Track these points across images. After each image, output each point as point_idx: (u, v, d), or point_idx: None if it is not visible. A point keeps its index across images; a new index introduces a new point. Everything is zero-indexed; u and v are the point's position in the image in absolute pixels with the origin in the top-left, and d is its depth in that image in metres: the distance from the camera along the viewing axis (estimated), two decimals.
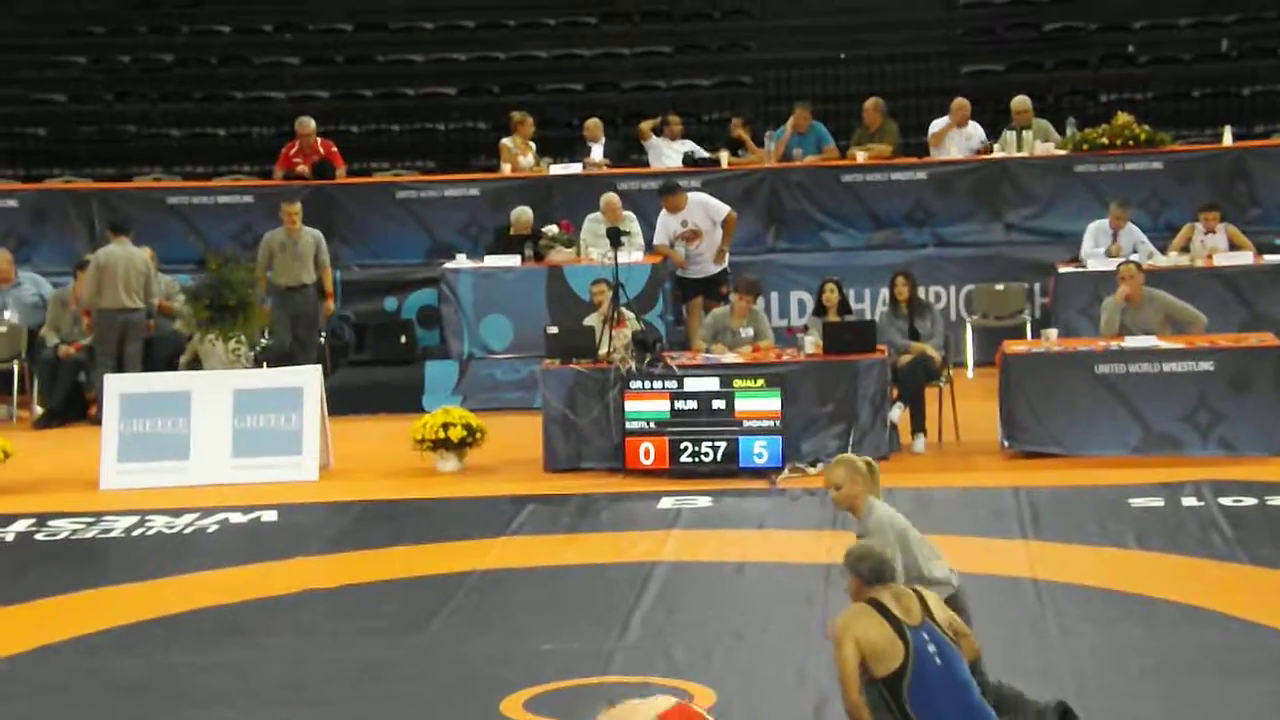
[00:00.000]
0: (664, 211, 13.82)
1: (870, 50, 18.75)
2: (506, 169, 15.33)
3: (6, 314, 14.14)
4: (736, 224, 13.83)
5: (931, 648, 5.49)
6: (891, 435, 11.41)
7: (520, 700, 6.78)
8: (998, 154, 14.87)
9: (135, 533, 10.06)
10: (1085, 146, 14.66)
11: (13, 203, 15.28)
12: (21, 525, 10.21)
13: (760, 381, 11.03)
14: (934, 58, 18.66)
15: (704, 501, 10.33)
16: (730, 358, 11.46)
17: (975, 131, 15.10)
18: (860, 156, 14.91)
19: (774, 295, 14.34)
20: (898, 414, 11.49)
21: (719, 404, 10.95)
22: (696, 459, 10.93)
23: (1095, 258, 13.42)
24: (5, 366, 13.98)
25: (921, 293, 12.87)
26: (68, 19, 20.09)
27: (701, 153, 15.38)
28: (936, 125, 15.18)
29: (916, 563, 6.35)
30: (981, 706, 5.56)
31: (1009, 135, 14.89)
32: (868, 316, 13.36)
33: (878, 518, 6.38)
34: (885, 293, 12.76)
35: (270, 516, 10.39)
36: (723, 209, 13.74)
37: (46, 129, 18.84)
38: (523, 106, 16.33)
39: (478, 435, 11.38)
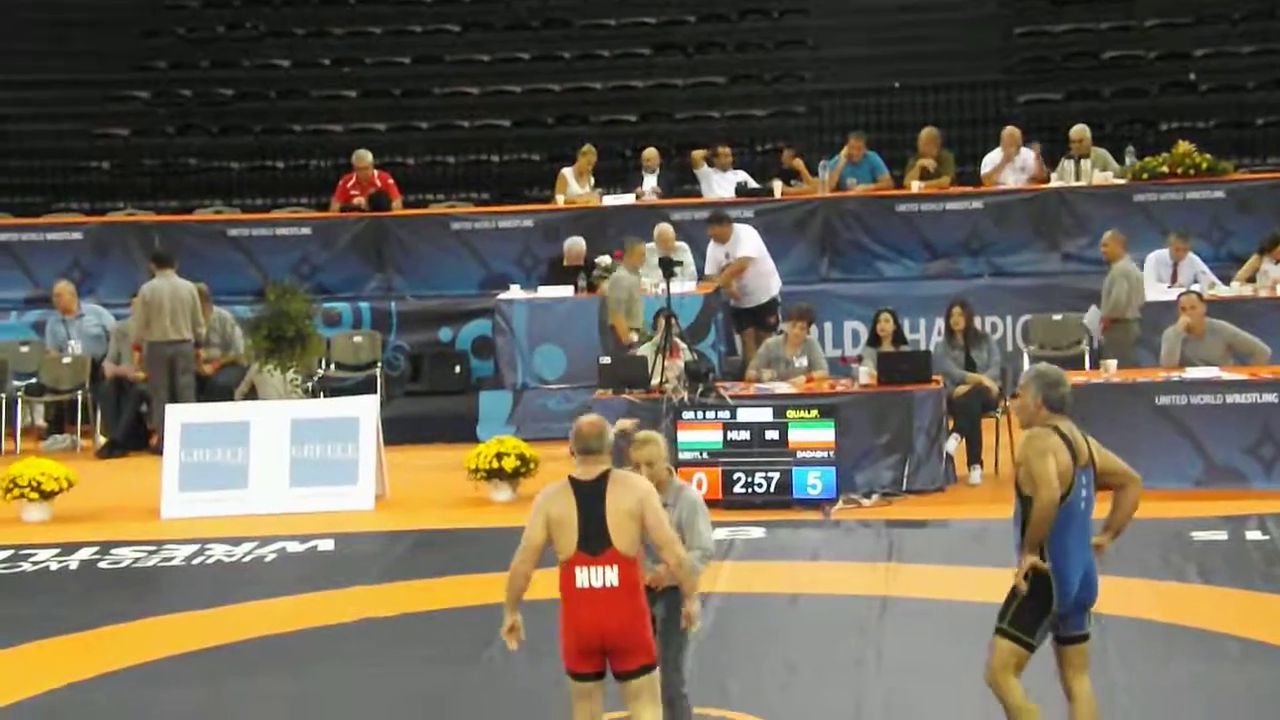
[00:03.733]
0: (713, 242, 13.89)
1: (925, 79, 18.74)
2: (560, 200, 15.41)
3: (71, 345, 14.35)
4: (742, 270, 13.76)
5: (1085, 491, 5.84)
6: (947, 467, 11.35)
7: None
8: (1055, 183, 14.80)
9: (195, 561, 10.16)
10: (1145, 175, 14.56)
11: (77, 235, 15.51)
12: (85, 553, 10.34)
13: (814, 412, 11.00)
14: (990, 86, 18.62)
15: (757, 533, 10.31)
16: (783, 388, 11.44)
17: (1027, 158, 15.02)
18: (915, 186, 14.89)
19: (828, 325, 14.32)
20: (954, 445, 11.42)
21: (772, 434, 10.93)
22: (750, 490, 10.91)
23: (1155, 288, 13.31)
24: (69, 396, 14.18)
25: (978, 323, 12.79)
26: (131, 55, 20.41)
27: (753, 183, 15.41)
28: (990, 163, 15.09)
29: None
30: (1093, 559, 5.89)
31: (1067, 164, 14.82)
32: (923, 347, 13.31)
33: (693, 495, 6.37)
34: (941, 323, 12.71)
35: (327, 545, 10.46)
36: (741, 249, 13.73)
37: (110, 162, 19.14)
38: (577, 138, 16.43)
39: (531, 465, 11.43)
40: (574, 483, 5.82)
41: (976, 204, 14.75)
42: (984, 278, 14.54)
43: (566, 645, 5.85)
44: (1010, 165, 14.96)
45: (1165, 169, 14.50)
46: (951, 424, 11.41)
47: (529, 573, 5.86)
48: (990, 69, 19.04)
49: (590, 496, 5.76)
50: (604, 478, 5.81)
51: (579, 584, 5.76)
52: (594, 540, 5.73)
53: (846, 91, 18.92)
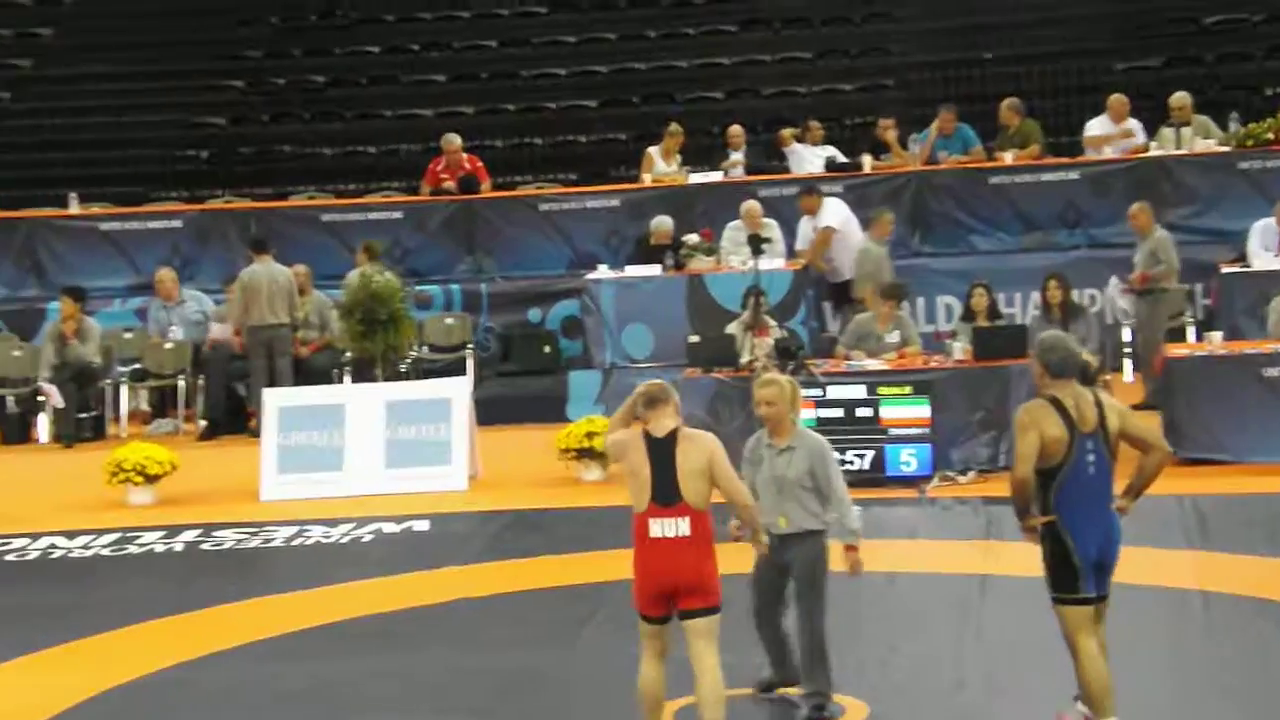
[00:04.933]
0: (803, 217, 13.84)
1: (1018, 49, 18.47)
2: (647, 179, 15.41)
3: (172, 331, 14.62)
4: (827, 242, 13.67)
5: (1091, 456, 5.93)
6: None
7: (671, 710, 6.81)
8: (1155, 151, 14.53)
9: (295, 542, 10.32)
10: (1250, 142, 14.25)
11: (177, 223, 15.79)
12: (189, 535, 10.54)
13: (907, 388, 10.92)
14: (1087, 54, 18.31)
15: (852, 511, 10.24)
16: (875, 364, 11.36)
17: (1135, 128, 14.73)
18: (1008, 157, 14.68)
19: (920, 300, 14.20)
20: None
21: (864, 412, 10.86)
22: (843, 468, 10.81)
23: (1261, 257, 13.03)
24: (172, 382, 14.45)
25: (1075, 296, 12.63)
26: (226, 44, 20.70)
27: (842, 158, 15.29)
28: (1094, 127, 14.84)
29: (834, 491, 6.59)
30: (1115, 523, 6.00)
31: (1167, 132, 14.54)
32: (1018, 321, 13.15)
33: (817, 441, 6.66)
34: (1037, 296, 12.55)
35: (422, 526, 10.58)
36: (824, 220, 13.66)
37: (208, 151, 19.43)
38: (663, 116, 16.41)
39: None
40: (646, 437, 6.16)
41: (1073, 174, 14.54)
42: (1081, 249, 14.33)
43: (639, 590, 6.19)
44: (1119, 131, 14.64)
45: (1271, 135, 14.18)
46: None
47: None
48: (1087, 37, 18.71)
49: (661, 452, 6.11)
50: (674, 434, 6.15)
51: (653, 534, 6.11)
52: (666, 494, 6.08)
53: (936, 64, 18.70)
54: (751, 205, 13.88)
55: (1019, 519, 6.06)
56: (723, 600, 6.17)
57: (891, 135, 15.33)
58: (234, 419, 14.15)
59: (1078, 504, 5.94)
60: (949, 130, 14.98)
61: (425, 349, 14.65)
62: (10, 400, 14.57)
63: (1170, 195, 14.26)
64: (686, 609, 6.14)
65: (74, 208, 15.96)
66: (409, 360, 13.92)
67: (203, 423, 14.13)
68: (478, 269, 15.35)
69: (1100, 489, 5.97)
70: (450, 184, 15.56)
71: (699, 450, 6.11)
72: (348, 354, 13.76)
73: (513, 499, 11.21)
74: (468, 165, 15.67)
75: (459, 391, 11.92)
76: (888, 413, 10.84)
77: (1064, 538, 5.96)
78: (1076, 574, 5.97)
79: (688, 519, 6.08)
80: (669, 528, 6.09)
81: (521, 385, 14.29)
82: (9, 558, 10.17)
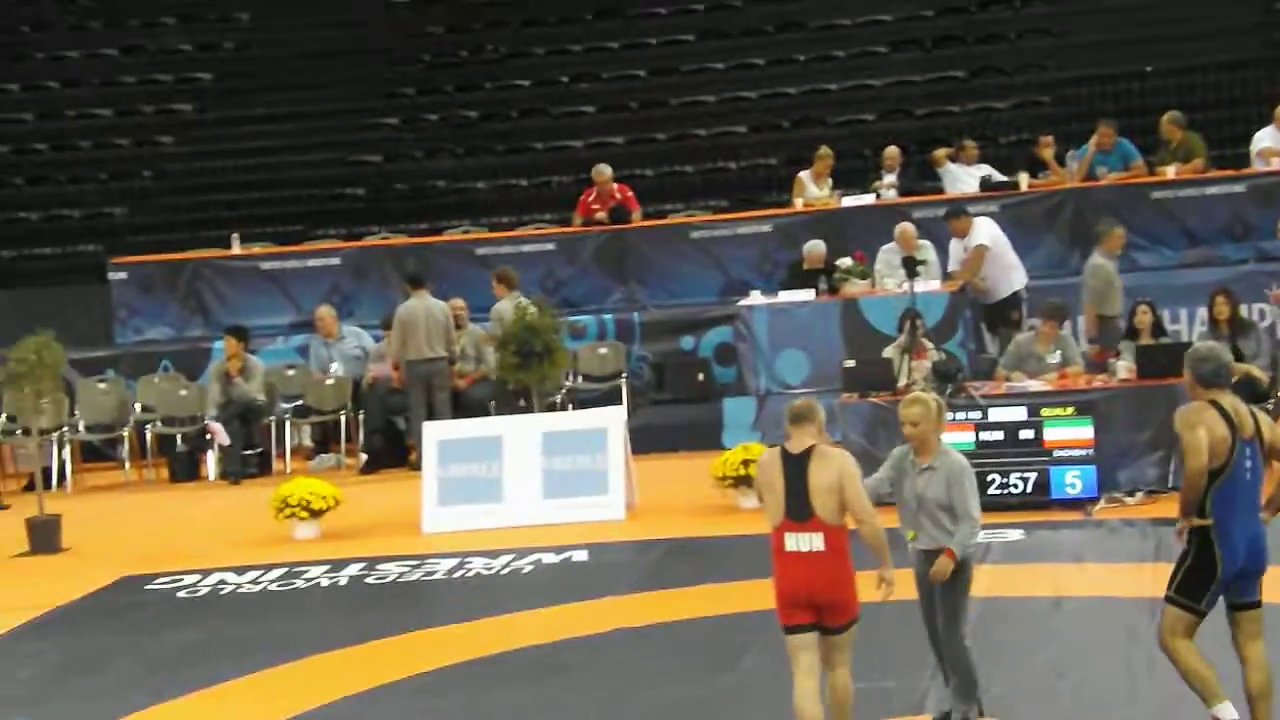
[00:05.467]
0: (954, 238, 13.64)
1: (1180, 61, 18.01)
2: (798, 203, 15.33)
3: (333, 367, 14.91)
4: (980, 261, 13.41)
5: (1249, 462, 6.01)
6: None
7: None
8: None
9: (456, 574, 10.42)
10: None
11: (336, 260, 16.12)
12: (353, 569, 10.71)
13: (1070, 409, 10.67)
14: (1251, 65, 17.78)
15: (1015, 534, 10.04)
16: (1035, 385, 11.12)
17: None
18: (1171, 171, 14.31)
19: (1080, 320, 13.87)
20: None
21: (1027, 434, 10.64)
22: (1005, 491, 10.65)
23: None
24: (333, 417, 14.75)
25: (1244, 311, 12.23)
26: (380, 83, 21.16)
27: (998, 176, 15.04)
28: (1263, 139, 14.37)
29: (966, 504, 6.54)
30: (1263, 531, 6.05)
31: None
32: (1184, 338, 12.78)
33: (956, 461, 6.61)
34: (1203, 312, 12.18)
35: (581, 556, 10.61)
36: (975, 239, 13.40)
37: (364, 189, 19.85)
38: (814, 140, 16.32)
39: None
40: (783, 454, 6.35)
41: (1239, 187, 14.12)
42: (1249, 263, 13.88)
43: (779, 600, 6.38)
44: None
45: None
46: None
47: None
48: (1252, 46, 18.17)
49: (795, 468, 6.27)
50: (808, 452, 6.30)
51: (788, 548, 6.32)
52: (799, 509, 6.26)
53: (1094, 78, 18.33)
54: (906, 227, 13.72)
55: (1183, 514, 6.08)
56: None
57: (1049, 152, 15.04)
58: (394, 453, 14.37)
59: (1233, 508, 5.98)
60: (1108, 145, 14.65)
61: (580, 379, 14.74)
62: (178, 439, 14.99)
63: None
64: (829, 626, 6.36)
65: (236, 248, 16.37)
66: (564, 390, 14.00)
67: (363, 456, 14.38)
68: (630, 298, 15.41)
69: (1254, 496, 6.03)
70: (602, 214, 15.66)
71: (832, 467, 6.27)
72: (509, 385, 13.87)
73: (670, 528, 11.19)
74: (618, 195, 15.75)
75: (614, 421, 11.96)
76: (1051, 434, 10.61)
77: (1214, 547, 6.02)
78: (1208, 587, 6.06)
79: (821, 534, 6.24)
80: (803, 542, 6.26)
81: (676, 413, 14.29)
82: (181, 594, 10.44)
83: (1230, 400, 6.11)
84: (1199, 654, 6.16)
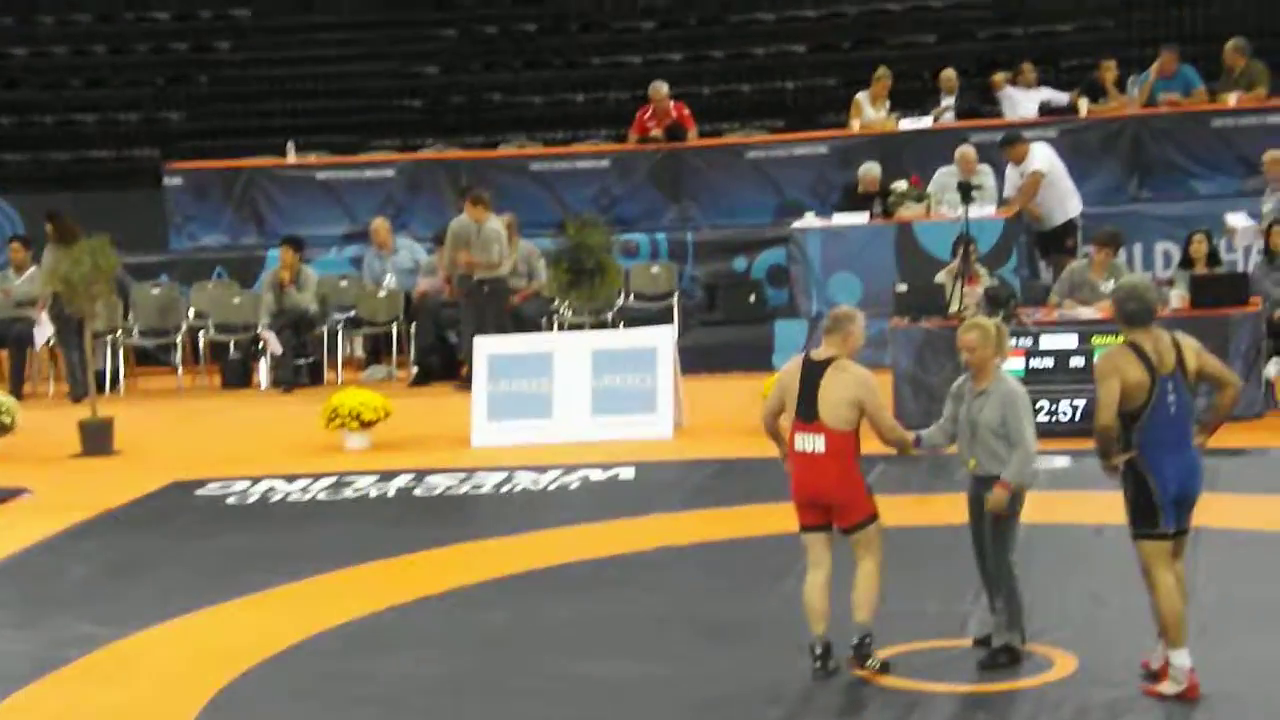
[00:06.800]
0: (1009, 164, 13.48)
1: None
2: (855, 125, 15.19)
3: (387, 279, 15.00)
4: (1036, 186, 13.22)
5: (1171, 397, 6.18)
6: (1267, 392, 10.81)
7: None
8: None
9: (503, 489, 10.52)
10: None
11: (390, 172, 16.16)
12: (401, 481, 10.82)
13: (1121, 337, 10.56)
14: None
15: (1062, 462, 10.03)
16: (1088, 313, 11.05)
17: None
18: (1232, 99, 14.08)
19: (1137, 247, 13.77)
20: (1274, 370, 10.87)
21: (1077, 361, 10.60)
22: (1054, 418, 10.62)
23: None
24: (385, 329, 14.85)
25: None
26: None
27: (1059, 100, 14.84)
28: None
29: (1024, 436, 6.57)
30: (1196, 459, 6.25)
31: None
32: (1239, 269, 12.64)
33: (1010, 388, 6.64)
34: (1260, 242, 12.03)
35: (628, 474, 10.68)
36: (1032, 166, 13.23)
37: (420, 100, 19.81)
38: (873, 61, 16.14)
39: None
40: (805, 360, 6.67)
41: None
42: None
43: (793, 497, 6.76)
44: None
45: None
46: (1272, 348, 10.82)
47: (771, 425, 6.83)
48: None
49: (812, 374, 6.60)
50: (828, 361, 6.61)
51: (798, 447, 6.66)
52: (807, 410, 6.60)
53: (1159, 2, 17.97)
54: (966, 150, 13.58)
55: (1101, 460, 6.28)
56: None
57: (1111, 76, 14.81)
58: (445, 367, 14.47)
59: (1160, 443, 6.17)
60: (1170, 71, 14.43)
61: (631, 298, 14.75)
62: (231, 346, 15.15)
63: None
64: (844, 526, 6.67)
65: (291, 156, 16.43)
66: (615, 309, 14.02)
67: (415, 369, 14.49)
68: (684, 218, 15.37)
69: (1182, 428, 6.22)
70: (657, 132, 15.59)
71: (848, 382, 6.55)
72: (556, 302, 13.92)
73: (717, 448, 11.24)
74: (674, 113, 15.66)
75: (664, 340, 11.99)
76: None
77: (1145, 476, 6.21)
78: (1156, 511, 6.22)
79: (823, 436, 6.54)
80: (808, 443, 6.59)
81: (727, 334, 14.30)
82: (230, 500, 10.60)
83: (1152, 337, 6.22)
84: (1179, 594, 6.27)
